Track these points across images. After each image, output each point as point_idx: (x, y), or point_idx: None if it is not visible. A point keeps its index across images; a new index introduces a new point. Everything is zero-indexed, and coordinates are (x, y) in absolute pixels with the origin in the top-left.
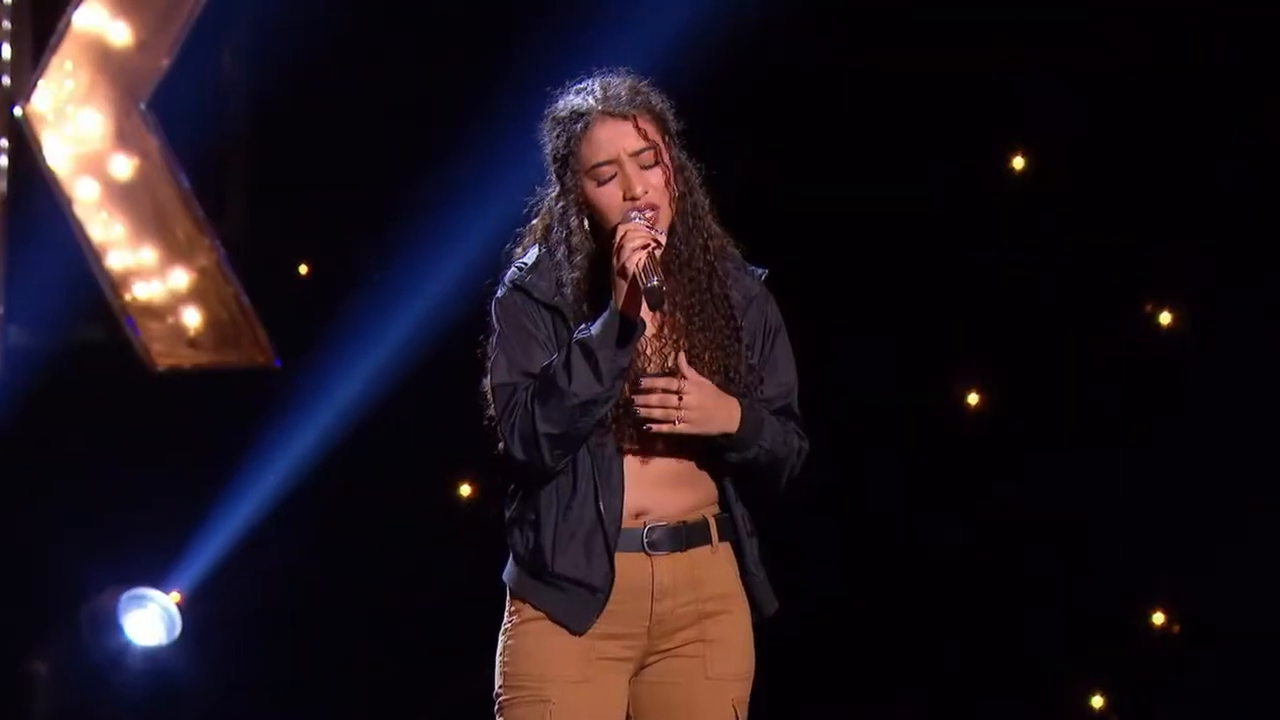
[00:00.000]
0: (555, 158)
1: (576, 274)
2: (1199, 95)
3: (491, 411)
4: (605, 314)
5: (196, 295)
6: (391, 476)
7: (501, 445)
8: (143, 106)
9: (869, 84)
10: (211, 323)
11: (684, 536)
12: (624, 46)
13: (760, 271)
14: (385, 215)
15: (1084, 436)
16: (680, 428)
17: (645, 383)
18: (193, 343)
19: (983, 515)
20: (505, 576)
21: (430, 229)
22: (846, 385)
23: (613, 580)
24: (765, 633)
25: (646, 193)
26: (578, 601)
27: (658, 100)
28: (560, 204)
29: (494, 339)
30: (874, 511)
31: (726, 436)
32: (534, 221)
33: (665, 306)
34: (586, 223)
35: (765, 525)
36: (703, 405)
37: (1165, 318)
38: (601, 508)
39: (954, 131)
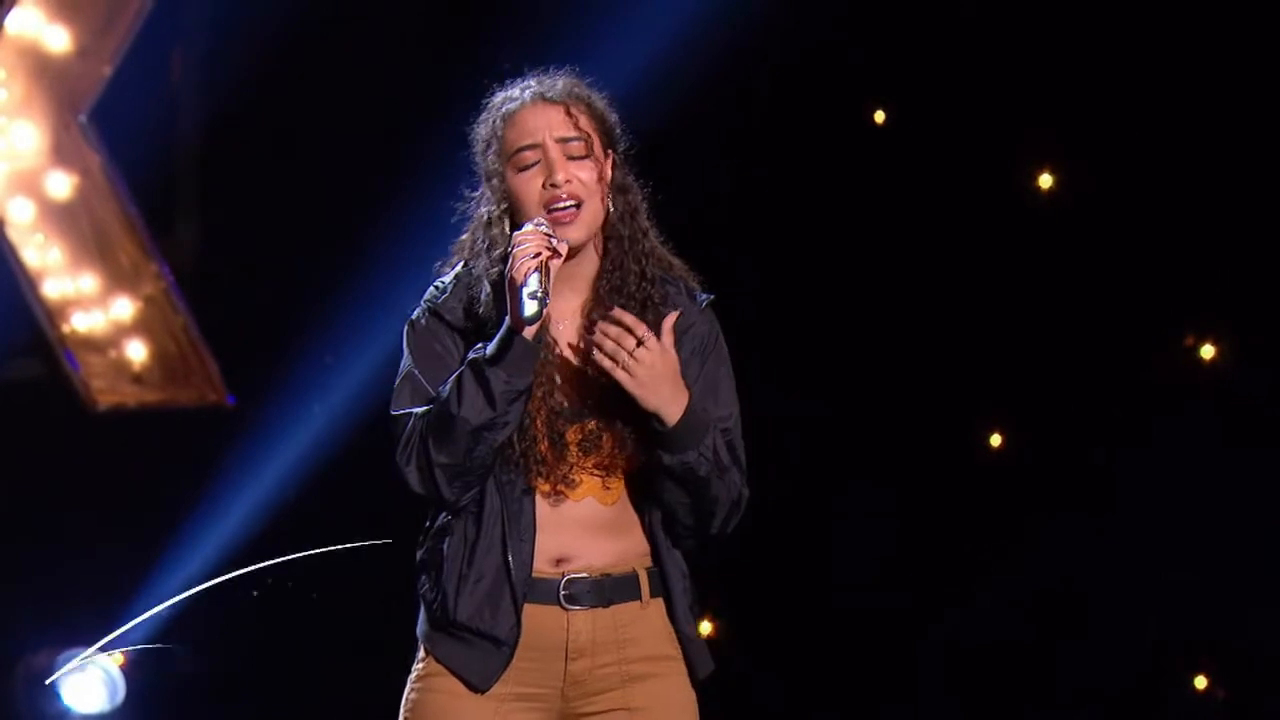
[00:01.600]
0: (481, 149)
1: (490, 288)
2: (1239, 120)
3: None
4: (500, 331)
5: (142, 326)
6: (355, 526)
7: (400, 478)
8: (83, 118)
9: (896, 106)
10: (158, 357)
11: (608, 590)
12: (619, 56)
13: (704, 298)
14: (351, 238)
15: (1116, 481)
16: (620, 374)
17: (615, 312)
18: (138, 379)
19: (1009, 571)
20: (418, 626)
21: (400, 251)
22: (871, 420)
23: (519, 634)
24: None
25: (569, 182)
26: (482, 655)
27: (601, 103)
28: (483, 203)
29: (400, 366)
30: (886, 567)
31: (661, 424)
32: (464, 236)
33: (565, 331)
34: (508, 224)
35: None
36: (655, 367)
37: (1208, 351)
38: (509, 554)
39: (982, 155)
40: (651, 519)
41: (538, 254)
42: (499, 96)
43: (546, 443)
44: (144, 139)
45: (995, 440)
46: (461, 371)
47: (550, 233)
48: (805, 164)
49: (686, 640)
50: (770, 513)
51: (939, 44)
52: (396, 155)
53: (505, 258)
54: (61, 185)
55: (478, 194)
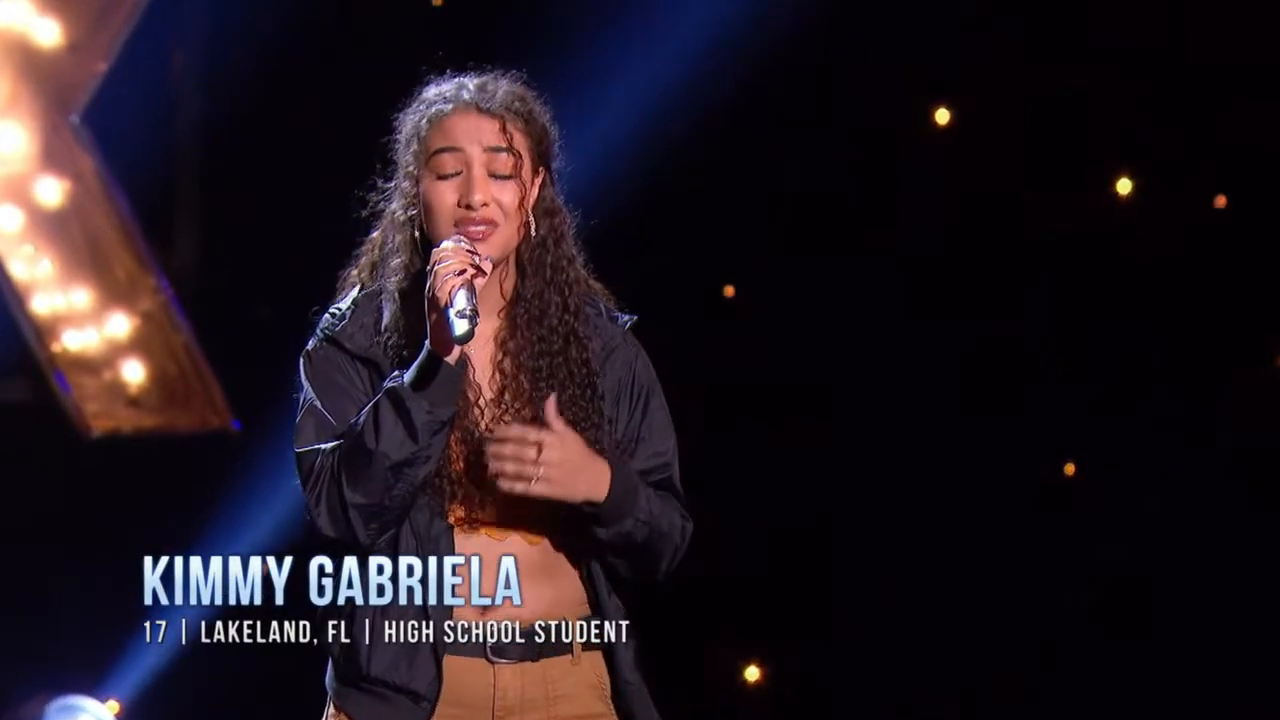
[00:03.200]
0: (403, 142)
1: (397, 307)
2: None
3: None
4: (420, 356)
5: (139, 345)
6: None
7: (308, 520)
8: (75, 119)
9: (961, 105)
10: (157, 378)
11: (537, 642)
12: (640, 64)
13: (625, 319)
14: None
15: (1196, 504)
16: (536, 489)
17: (499, 431)
18: (134, 402)
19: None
20: (326, 680)
21: None
22: (935, 448)
23: (439, 689)
24: None
25: (487, 205)
26: (399, 712)
27: (543, 117)
28: (396, 201)
29: (300, 400)
30: (955, 608)
31: (593, 505)
32: (374, 235)
33: (506, 365)
34: (418, 234)
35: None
36: (567, 462)
37: None
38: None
39: (1054, 158)
40: (587, 562)
41: (462, 271)
42: (432, 91)
43: (462, 464)
44: (141, 141)
45: (1069, 469)
46: (378, 402)
47: (473, 250)
48: (863, 168)
49: (632, 692)
50: (827, 550)
51: (1004, 39)
52: None
53: (408, 269)
54: (52, 192)
55: (390, 186)
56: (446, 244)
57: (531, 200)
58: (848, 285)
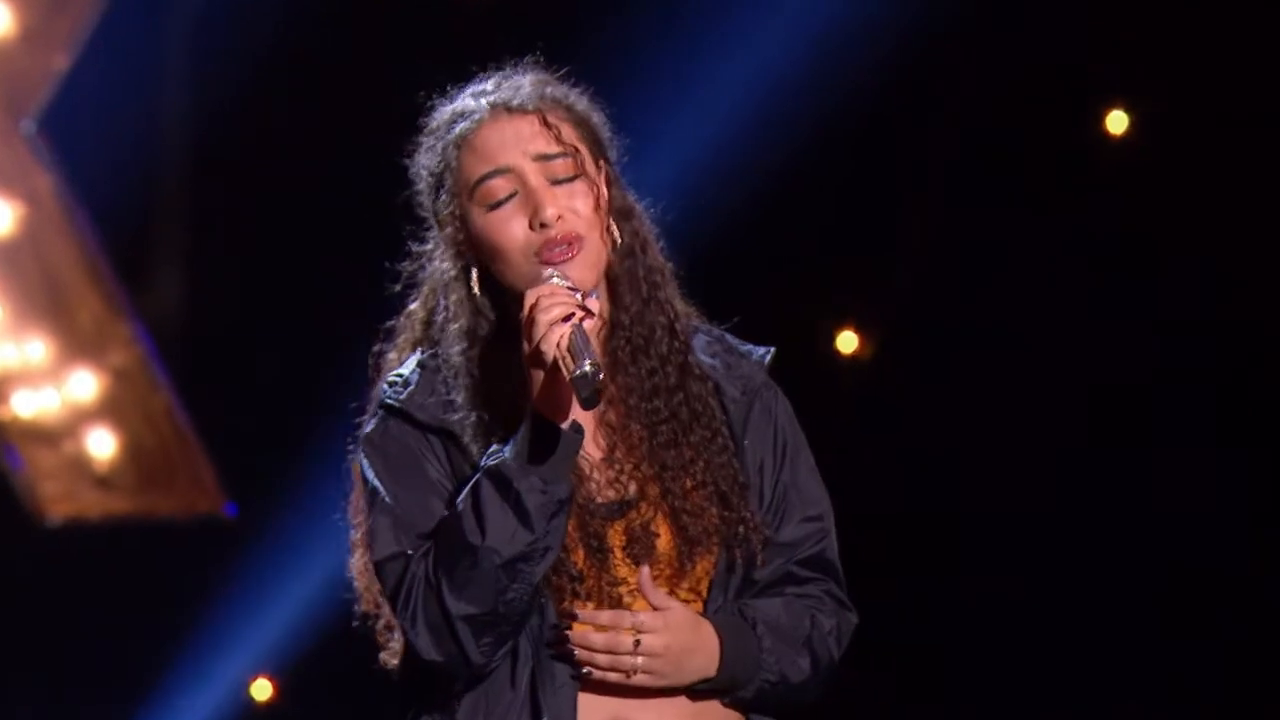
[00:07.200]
0: (429, 187)
1: (470, 371)
2: None
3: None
4: (522, 426)
5: (109, 410)
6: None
7: (398, 642)
8: (29, 126)
9: (1139, 111)
10: (131, 451)
11: None
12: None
13: (762, 352)
14: (382, 288)
15: None
16: (636, 681)
17: (585, 615)
18: (103, 482)
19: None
20: None
21: None
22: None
23: None
24: None
25: (562, 218)
26: None
27: (583, 103)
28: (440, 258)
29: (365, 497)
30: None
31: (707, 682)
32: (413, 307)
33: (611, 416)
34: (475, 282)
35: None
36: (669, 650)
37: None
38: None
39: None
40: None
41: (568, 315)
42: (445, 112)
43: (582, 551)
44: (111, 156)
45: None
46: (477, 483)
47: (574, 286)
48: (1013, 185)
49: None
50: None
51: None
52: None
53: (472, 334)
54: (1, 217)
55: (428, 249)
56: (547, 275)
57: (606, 202)
58: (996, 335)
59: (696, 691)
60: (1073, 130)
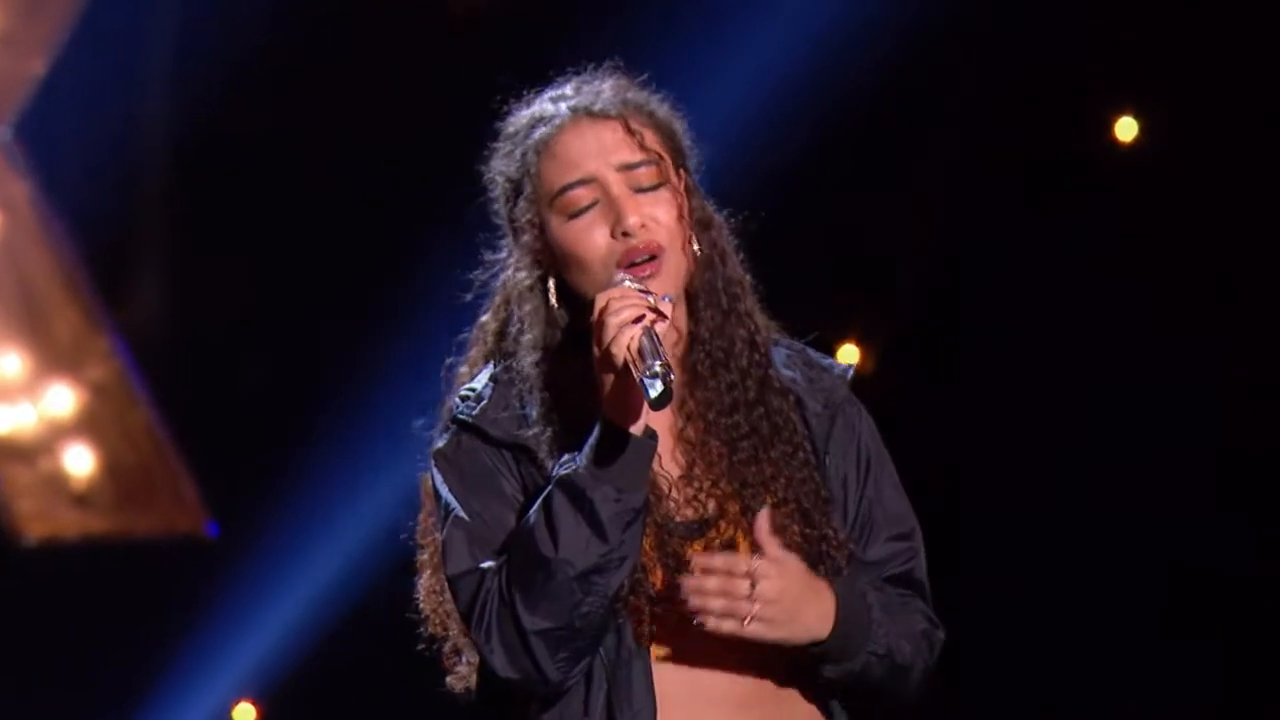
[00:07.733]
0: (506, 194)
1: (544, 384)
2: None
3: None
4: (593, 434)
5: (87, 426)
6: (373, 684)
7: (466, 666)
8: (5, 132)
9: (1149, 117)
10: (110, 469)
11: None
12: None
13: (844, 368)
14: (372, 299)
15: None
16: (750, 630)
17: (699, 561)
18: (81, 500)
19: None
20: None
21: (435, 321)
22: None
23: None
24: None
25: (645, 227)
26: None
27: (664, 110)
28: (515, 267)
29: (438, 513)
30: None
31: (815, 644)
32: (484, 318)
33: (690, 432)
34: (553, 292)
35: None
36: (786, 595)
37: None
38: None
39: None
40: (815, 684)
41: (639, 318)
42: (523, 116)
43: (660, 571)
44: (90, 163)
45: None
46: (549, 495)
47: (646, 289)
48: (1026, 196)
49: None
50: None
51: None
52: (430, 198)
53: (545, 345)
54: None
55: (501, 257)
56: (619, 279)
57: (688, 214)
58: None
59: (785, 682)
60: (1073, 132)
